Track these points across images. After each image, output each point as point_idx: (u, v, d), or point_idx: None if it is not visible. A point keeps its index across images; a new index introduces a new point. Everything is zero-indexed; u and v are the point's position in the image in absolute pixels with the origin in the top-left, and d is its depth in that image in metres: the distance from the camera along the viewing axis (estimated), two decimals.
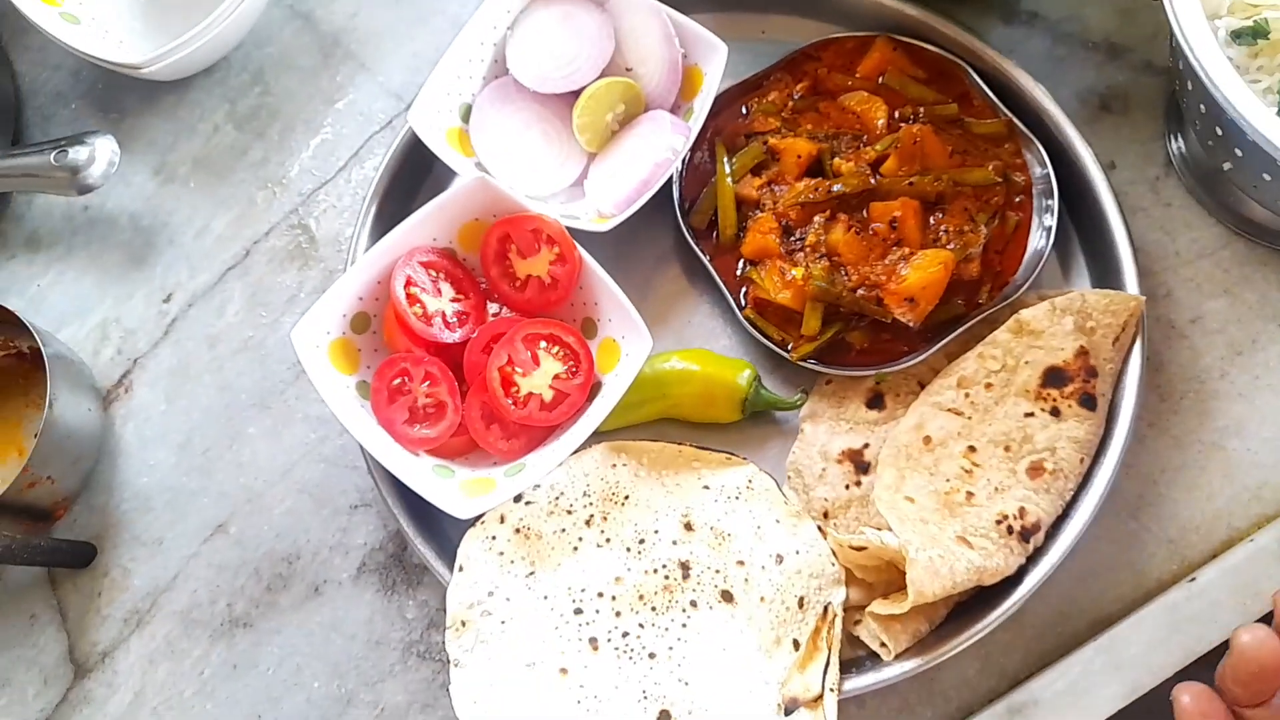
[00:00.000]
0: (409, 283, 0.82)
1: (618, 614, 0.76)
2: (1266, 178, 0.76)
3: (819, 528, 0.79)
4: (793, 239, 0.86)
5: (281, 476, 0.90)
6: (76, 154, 0.92)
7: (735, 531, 0.79)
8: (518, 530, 0.78)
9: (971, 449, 0.80)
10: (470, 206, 0.85)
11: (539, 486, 0.79)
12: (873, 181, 0.84)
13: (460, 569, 0.77)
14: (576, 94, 0.90)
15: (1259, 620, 0.68)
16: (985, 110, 0.89)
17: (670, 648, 0.75)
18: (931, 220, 0.85)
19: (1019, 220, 0.86)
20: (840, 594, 0.77)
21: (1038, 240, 0.85)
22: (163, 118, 1.02)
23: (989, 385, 0.81)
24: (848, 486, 0.82)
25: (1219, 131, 0.77)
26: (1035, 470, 0.78)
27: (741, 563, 0.77)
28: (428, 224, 0.84)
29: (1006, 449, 0.79)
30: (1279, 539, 0.79)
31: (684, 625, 0.76)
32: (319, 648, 0.85)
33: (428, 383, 0.82)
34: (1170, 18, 0.75)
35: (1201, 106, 0.77)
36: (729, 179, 0.88)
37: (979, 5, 0.95)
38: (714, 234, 0.88)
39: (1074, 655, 0.78)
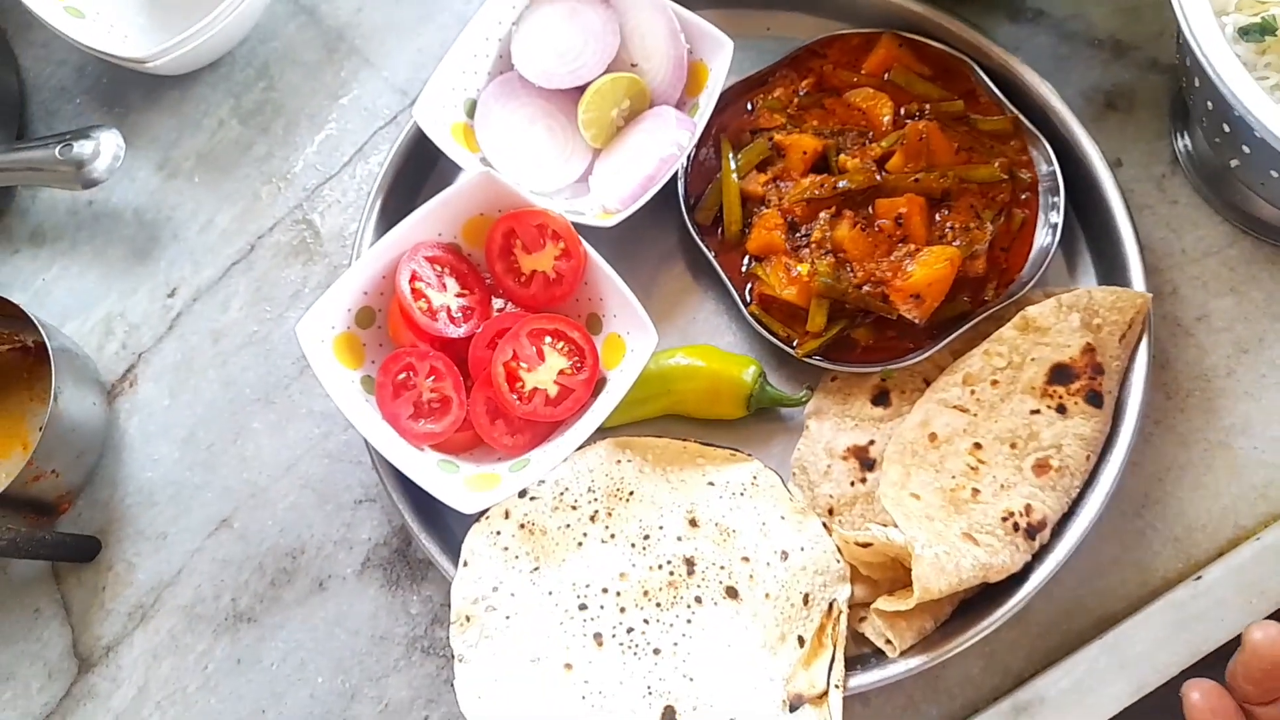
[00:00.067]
0: (414, 278, 0.82)
1: (622, 610, 0.76)
2: (1274, 174, 0.76)
3: (824, 524, 0.79)
4: (798, 235, 0.85)
5: (285, 471, 0.90)
6: (81, 148, 0.92)
7: (740, 528, 0.78)
8: (522, 526, 0.78)
9: (977, 446, 0.80)
10: (475, 202, 0.85)
11: (544, 482, 0.79)
12: (878, 178, 0.84)
13: (465, 564, 0.77)
14: (581, 89, 0.90)
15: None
16: (991, 107, 0.89)
17: (675, 644, 0.75)
18: (937, 217, 0.85)
19: (1025, 217, 0.86)
20: (845, 590, 0.77)
21: (1044, 237, 0.85)
22: (167, 112, 1.02)
23: (995, 382, 0.81)
24: (853, 483, 0.82)
25: (1226, 128, 0.77)
26: (1041, 467, 0.78)
27: (746, 559, 0.77)
28: (432, 219, 0.84)
29: (1012, 446, 0.79)
30: None
31: (689, 621, 0.76)
32: (323, 643, 0.85)
33: (432, 378, 0.82)
34: (1178, 14, 0.75)
35: (1208, 103, 0.77)
36: (734, 175, 0.88)
37: (984, 2, 0.95)
38: (719, 230, 0.88)
39: (1079, 653, 0.77)
